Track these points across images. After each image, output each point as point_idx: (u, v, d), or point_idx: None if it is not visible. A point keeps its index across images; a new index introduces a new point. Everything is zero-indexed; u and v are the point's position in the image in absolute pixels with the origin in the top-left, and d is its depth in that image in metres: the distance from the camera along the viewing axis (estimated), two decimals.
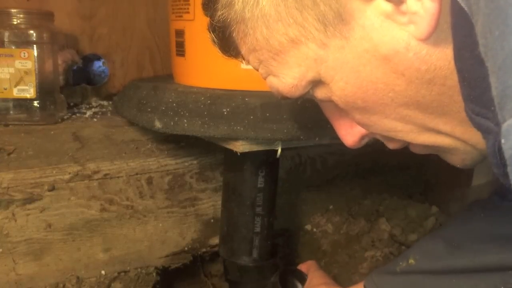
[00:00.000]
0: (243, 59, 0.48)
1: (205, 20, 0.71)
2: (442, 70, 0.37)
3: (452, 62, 0.37)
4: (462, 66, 0.36)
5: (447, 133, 0.42)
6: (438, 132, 0.42)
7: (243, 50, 0.45)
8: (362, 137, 0.48)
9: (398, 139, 0.45)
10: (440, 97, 0.39)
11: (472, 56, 0.34)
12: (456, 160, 0.47)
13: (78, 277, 0.80)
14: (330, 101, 0.44)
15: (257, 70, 0.46)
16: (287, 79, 0.43)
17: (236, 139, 0.66)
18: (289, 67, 0.42)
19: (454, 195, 1.11)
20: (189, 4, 0.71)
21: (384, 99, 0.40)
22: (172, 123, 0.67)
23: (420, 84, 0.38)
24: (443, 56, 0.37)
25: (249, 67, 0.70)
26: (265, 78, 0.45)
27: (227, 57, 0.50)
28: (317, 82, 0.42)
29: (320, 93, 0.44)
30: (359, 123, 0.45)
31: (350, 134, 0.48)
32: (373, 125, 0.43)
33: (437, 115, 0.40)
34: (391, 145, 0.48)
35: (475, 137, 0.41)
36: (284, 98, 0.46)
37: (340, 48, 0.39)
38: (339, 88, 0.41)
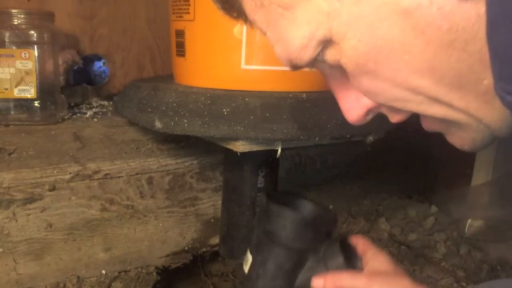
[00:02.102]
0: (245, 21, 0.45)
1: (205, 20, 0.71)
2: (464, 32, 0.35)
3: (476, 26, 0.34)
4: (496, 42, 0.34)
5: (460, 108, 0.39)
6: (451, 106, 0.39)
7: (249, 8, 0.42)
8: (368, 112, 0.44)
9: (406, 110, 0.41)
10: (459, 64, 0.36)
11: (508, 32, 0.32)
12: (465, 140, 0.43)
13: (78, 277, 0.80)
14: (338, 67, 0.41)
15: (265, 34, 0.43)
16: (296, 40, 0.40)
17: (236, 139, 0.66)
18: (299, 24, 0.39)
19: (453, 195, 1.12)
20: (189, 5, 0.71)
21: (398, 62, 0.37)
22: (172, 123, 0.67)
23: (439, 47, 0.36)
24: (467, 17, 0.34)
25: (250, 67, 0.70)
26: (273, 45, 0.42)
27: (230, 19, 0.47)
28: (327, 43, 0.39)
29: (329, 56, 0.40)
30: (366, 91, 0.42)
31: (356, 108, 0.44)
32: (381, 93, 0.40)
33: (452, 87, 0.37)
34: (395, 118, 0.44)
35: (490, 115, 0.38)
36: (294, 67, 0.43)
37: (356, 1, 0.36)
38: (350, 47, 0.38)
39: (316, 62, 0.41)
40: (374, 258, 0.64)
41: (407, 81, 0.38)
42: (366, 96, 0.42)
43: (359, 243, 0.68)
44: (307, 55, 0.40)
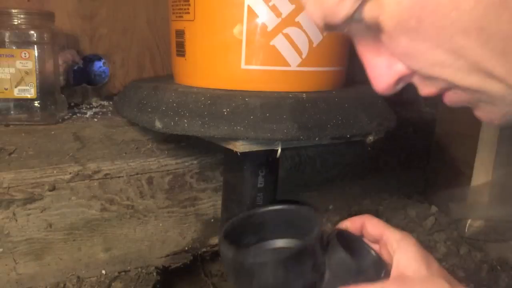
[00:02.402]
0: None
1: (205, 20, 0.71)
2: None
3: None
4: None
5: (500, 77, 0.36)
6: (490, 75, 0.36)
7: None
8: (399, 80, 0.41)
9: (442, 78, 0.38)
10: (508, 26, 0.34)
11: None
12: (495, 114, 0.41)
13: (78, 277, 0.80)
14: (374, 26, 0.38)
15: None
16: None
17: (236, 139, 0.66)
18: None
19: (454, 195, 1.12)
20: (189, 4, 0.71)
21: (443, 20, 0.34)
22: (172, 123, 0.67)
23: (491, 5, 0.33)
24: None
25: (250, 67, 0.70)
26: (306, 3, 0.40)
27: None
28: None
29: (368, 12, 0.37)
30: (403, 54, 0.38)
31: (386, 75, 0.40)
32: (419, 56, 0.37)
33: (495, 52, 0.35)
34: (426, 90, 0.41)
35: None
36: (328, 27, 0.40)
37: None
38: (393, 1, 0.35)
39: (351, 21, 0.38)
40: (399, 250, 0.51)
41: (451, 41, 0.35)
42: (402, 61, 0.39)
43: (370, 226, 0.56)
44: (344, 10, 0.37)
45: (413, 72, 0.40)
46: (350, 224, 0.57)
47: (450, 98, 0.41)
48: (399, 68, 0.40)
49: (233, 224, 0.55)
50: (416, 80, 0.41)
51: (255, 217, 0.56)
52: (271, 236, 0.56)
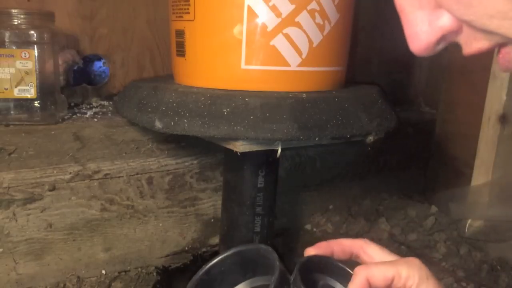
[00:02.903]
0: None
1: (205, 20, 0.71)
2: None
3: None
4: None
5: None
6: None
7: None
8: (442, 38, 0.35)
9: (499, 32, 0.32)
10: None
11: None
12: None
13: (78, 277, 0.80)
14: None
15: None
16: None
17: (236, 139, 0.66)
18: None
19: (454, 195, 1.12)
20: (189, 4, 0.71)
21: None
22: (172, 123, 0.67)
23: None
24: None
25: (250, 67, 0.70)
26: None
27: None
28: None
29: None
30: (454, 2, 0.33)
31: (427, 32, 0.35)
32: (475, 5, 0.32)
33: None
34: (473, 48, 0.35)
35: None
36: None
37: None
38: None
39: None
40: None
41: None
42: (452, 10, 0.34)
43: (357, 245, 0.49)
44: None
45: (459, 28, 0.35)
46: (340, 254, 0.50)
47: (505, 58, 0.35)
48: (444, 23, 0.34)
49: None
50: (463, 37, 0.35)
51: (210, 271, 0.53)
52: (235, 281, 0.53)
